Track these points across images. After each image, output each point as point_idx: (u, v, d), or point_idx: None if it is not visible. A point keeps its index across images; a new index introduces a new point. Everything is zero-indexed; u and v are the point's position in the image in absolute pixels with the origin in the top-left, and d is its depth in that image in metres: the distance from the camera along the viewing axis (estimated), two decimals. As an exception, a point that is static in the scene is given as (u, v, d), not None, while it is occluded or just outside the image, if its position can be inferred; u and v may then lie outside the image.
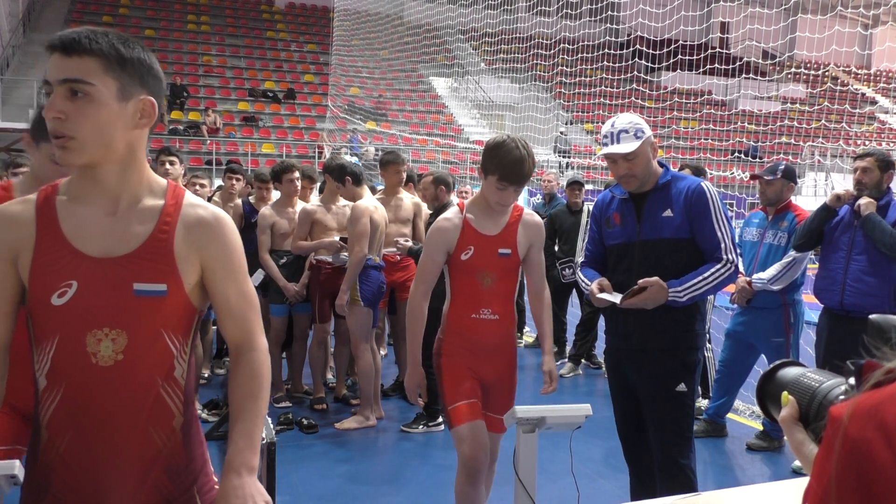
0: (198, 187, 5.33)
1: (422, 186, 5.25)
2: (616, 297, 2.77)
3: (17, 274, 1.42)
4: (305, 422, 4.88)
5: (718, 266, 2.77)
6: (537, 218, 3.04)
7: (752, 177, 4.69)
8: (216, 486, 1.57)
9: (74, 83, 1.34)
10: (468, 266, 2.84)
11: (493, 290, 2.85)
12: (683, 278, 2.76)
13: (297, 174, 5.24)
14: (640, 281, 2.74)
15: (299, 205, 5.28)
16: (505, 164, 2.71)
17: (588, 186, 17.23)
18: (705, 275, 2.76)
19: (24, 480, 1.49)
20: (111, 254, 1.42)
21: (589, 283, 2.95)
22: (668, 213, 2.83)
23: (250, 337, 1.55)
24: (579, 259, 3.18)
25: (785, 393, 0.97)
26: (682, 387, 2.85)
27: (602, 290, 2.85)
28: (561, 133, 19.96)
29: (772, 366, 1.04)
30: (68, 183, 1.47)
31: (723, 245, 2.79)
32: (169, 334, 1.45)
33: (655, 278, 2.73)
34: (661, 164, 2.94)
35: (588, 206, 6.39)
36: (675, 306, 2.77)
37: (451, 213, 2.92)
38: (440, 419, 4.92)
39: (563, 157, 19.31)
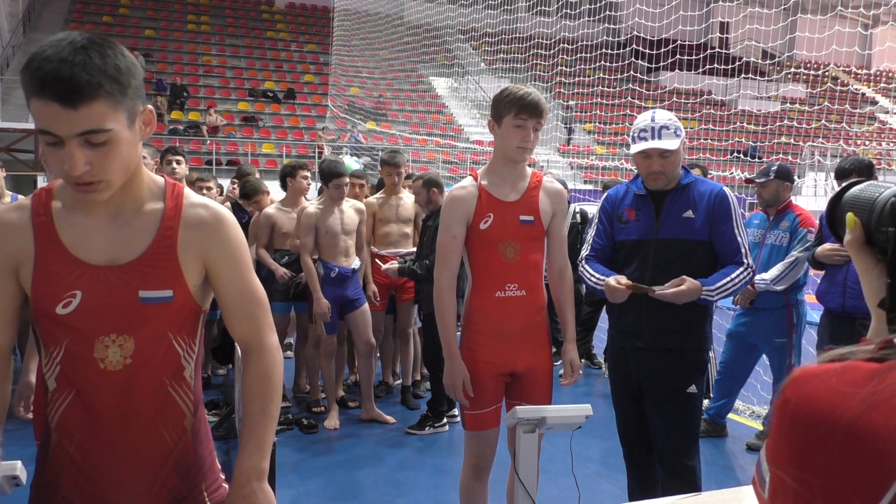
0: (205, 191, 5.31)
1: (413, 191, 5.16)
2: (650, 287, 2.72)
3: (18, 282, 1.40)
4: (306, 422, 4.88)
5: (741, 270, 2.77)
6: (559, 185, 2.83)
7: (747, 180, 4.71)
8: (224, 485, 1.57)
9: (91, 134, 1.25)
10: (488, 237, 2.64)
11: (517, 262, 2.64)
12: (712, 278, 2.75)
13: (307, 173, 5.27)
14: (681, 280, 2.71)
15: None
16: (517, 97, 2.57)
17: (587, 186, 17.18)
18: (731, 277, 2.76)
19: (33, 482, 1.49)
20: (115, 262, 1.40)
21: (600, 277, 2.87)
22: (689, 213, 2.81)
23: (259, 336, 1.53)
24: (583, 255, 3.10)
25: (850, 214, 0.89)
26: (692, 388, 2.84)
27: (621, 284, 2.75)
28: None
29: (842, 186, 0.96)
30: (65, 189, 1.42)
31: (743, 250, 2.81)
32: (175, 336, 1.45)
33: (689, 279, 2.71)
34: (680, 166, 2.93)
35: (574, 207, 6.37)
36: (703, 304, 2.77)
37: (465, 182, 2.74)
38: (445, 420, 4.93)
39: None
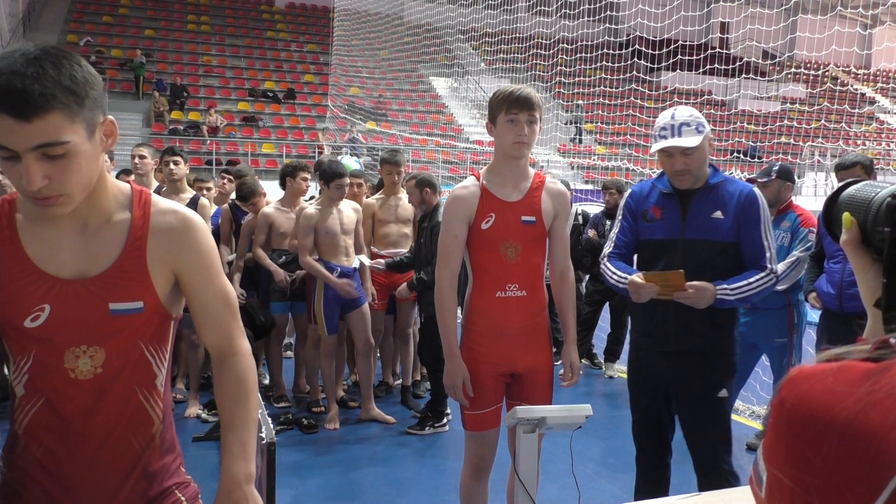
0: (205, 191, 5.30)
1: (407, 191, 5.17)
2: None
3: None
4: (305, 422, 4.88)
5: (763, 274, 2.71)
6: (562, 186, 2.83)
7: (748, 180, 4.70)
8: (192, 483, 1.58)
9: (47, 147, 1.21)
10: (490, 237, 2.63)
11: (518, 263, 2.63)
12: (732, 279, 2.69)
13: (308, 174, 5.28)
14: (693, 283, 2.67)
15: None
16: (506, 93, 2.60)
17: (587, 186, 17.18)
18: (751, 280, 2.69)
19: None
20: (84, 275, 1.38)
21: (622, 276, 2.79)
22: (718, 214, 2.74)
23: (231, 342, 1.53)
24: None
25: (846, 214, 0.89)
26: (723, 392, 2.80)
27: (646, 280, 2.71)
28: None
29: (839, 186, 0.96)
30: (27, 200, 1.35)
31: (767, 255, 2.74)
32: (146, 345, 1.44)
33: (704, 283, 2.66)
34: (709, 164, 2.85)
35: (576, 208, 6.38)
36: (722, 307, 2.70)
37: (466, 182, 2.74)
38: (445, 420, 4.93)
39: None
